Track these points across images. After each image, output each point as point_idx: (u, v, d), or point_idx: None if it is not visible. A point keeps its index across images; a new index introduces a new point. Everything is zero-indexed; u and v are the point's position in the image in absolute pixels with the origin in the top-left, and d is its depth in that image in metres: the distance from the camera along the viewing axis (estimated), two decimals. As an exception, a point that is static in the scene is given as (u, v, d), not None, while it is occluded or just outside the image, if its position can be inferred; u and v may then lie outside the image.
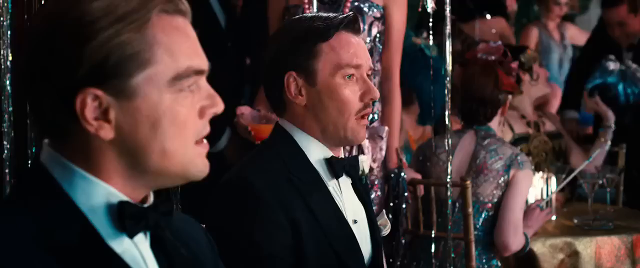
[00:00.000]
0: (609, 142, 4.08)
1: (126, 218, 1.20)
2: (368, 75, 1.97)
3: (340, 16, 1.94)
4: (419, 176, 3.20)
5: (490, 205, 3.14)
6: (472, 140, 3.23)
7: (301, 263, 1.86)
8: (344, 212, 1.97)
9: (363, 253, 1.99)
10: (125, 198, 1.22)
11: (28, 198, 1.20)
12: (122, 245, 1.22)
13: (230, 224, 1.85)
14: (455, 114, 3.38)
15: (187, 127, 1.22)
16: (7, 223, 1.17)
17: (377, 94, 1.95)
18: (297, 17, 2.02)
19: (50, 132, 1.23)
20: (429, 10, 2.85)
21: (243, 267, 1.83)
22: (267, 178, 1.87)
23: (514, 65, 3.31)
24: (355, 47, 1.94)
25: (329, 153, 1.97)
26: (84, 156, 1.21)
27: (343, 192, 2.00)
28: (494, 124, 3.29)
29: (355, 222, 2.00)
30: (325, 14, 1.96)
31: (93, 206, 1.20)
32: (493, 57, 3.22)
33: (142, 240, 1.26)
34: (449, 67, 2.87)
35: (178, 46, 1.21)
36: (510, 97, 3.33)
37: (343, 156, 2.03)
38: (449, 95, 2.90)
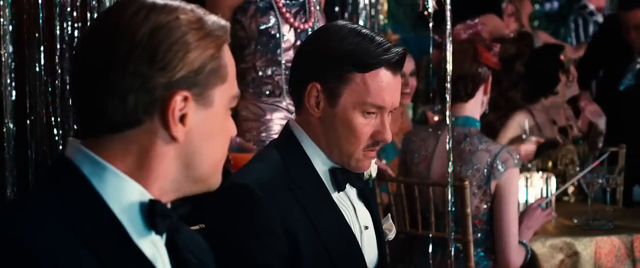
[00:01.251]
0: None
1: (157, 215, 1.26)
2: (391, 111, 1.93)
3: (388, 54, 1.88)
4: (386, 168, 3.20)
5: (477, 220, 3.04)
6: (447, 143, 3.01)
7: None
8: (352, 221, 1.96)
9: (370, 259, 1.99)
10: (153, 198, 1.28)
11: (58, 190, 1.24)
12: (145, 243, 1.27)
13: (226, 229, 1.84)
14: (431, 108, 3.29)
15: (228, 142, 1.36)
16: (43, 212, 1.21)
17: (389, 139, 1.92)
18: (348, 26, 1.93)
19: (102, 128, 1.26)
20: (430, 9, 2.84)
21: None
22: (267, 187, 1.85)
23: (496, 45, 3.14)
24: (387, 88, 1.88)
25: (333, 164, 1.95)
26: (129, 155, 1.26)
27: (350, 200, 1.99)
28: (477, 105, 3.12)
29: (366, 228, 2.00)
30: (375, 40, 1.88)
31: (123, 202, 1.25)
32: (470, 32, 3.10)
33: (159, 241, 1.31)
34: (449, 67, 2.85)
35: (234, 71, 1.35)
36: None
37: None
38: (449, 95, 2.88)
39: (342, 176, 1.94)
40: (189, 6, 1.30)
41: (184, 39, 1.25)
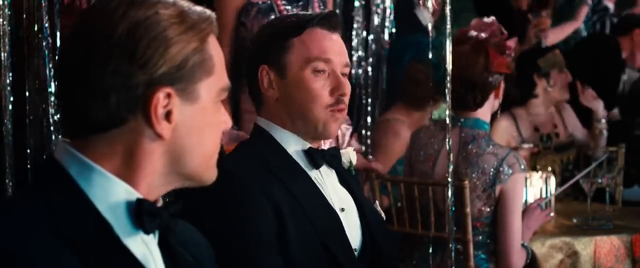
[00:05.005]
0: (605, 132, 4.16)
1: (144, 214, 1.25)
2: (344, 74, 1.98)
3: (315, 14, 1.99)
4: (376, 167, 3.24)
5: (479, 223, 3.00)
6: (455, 144, 2.99)
7: (285, 247, 1.87)
8: (329, 200, 1.98)
9: (353, 241, 2.00)
10: (141, 196, 1.26)
11: (44, 194, 1.23)
12: (135, 243, 1.26)
13: (215, 215, 1.85)
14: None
15: (219, 135, 1.34)
16: (27, 216, 1.20)
17: (347, 89, 1.96)
18: (279, 16, 2.04)
19: (87, 128, 1.25)
20: (430, 9, 2.84)
21: (234, 257, 1.82)
22: (246, 168, 1.91)
23: (511, 43, 3.01)
24: (327, 43, 1.97)
25: (307, 145, 1.99)
26: (115, 154, 1.25)
27: (326, 181, 2.01)
28: (487, 109, 3.06)
29: (342, 210, 2.01)
30: (303, 12, 2.02)
31: (110, 203, 1.24)
32: (484, 35, 2.97)
33: (151, 240, 1.30)
34: (449, 67, 2.85)
35: (222, 63, 1.33)
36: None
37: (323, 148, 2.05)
38: (449, 96, 2.88)
39: (316, 154, 1.98)
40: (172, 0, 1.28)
41: (164, 34, 1.23)
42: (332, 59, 1.96)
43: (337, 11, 3.81)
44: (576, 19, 5.62)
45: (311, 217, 1.90)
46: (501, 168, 2.91)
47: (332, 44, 1.98)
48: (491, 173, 2.93)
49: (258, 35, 2.07)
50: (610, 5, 5.93)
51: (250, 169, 1.91)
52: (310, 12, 2.05)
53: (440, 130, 3.14)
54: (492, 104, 3.07)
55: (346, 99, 1.97)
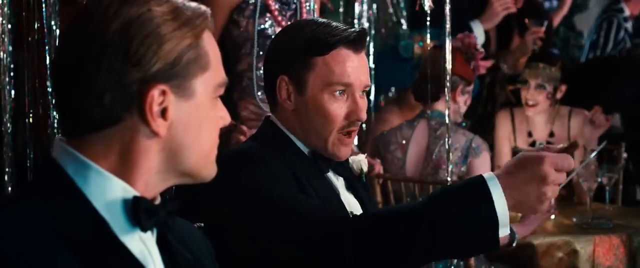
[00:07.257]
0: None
1: (141, 212, 1.24)
2: (363, 91, 1.96)
3: (344, 33, 1.92)
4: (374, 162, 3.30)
5: None
6: (424, 132, 3.22)
7: None
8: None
9: None
10: (138, 194, 1.26)
11: (41, 193, 1.23)
12: (132, 241, 1.26)
13: (243, 184, 1.81)
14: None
15: (217, 132, 1.33)
16: (24, 215, 1.20)
17: (364, 115, 1.94)
18: (307, 19, 2.00)
19: (83, 127, 1.25)
20: (426, 8, 2.84)
21: (274, 216, 1.78)
22: (267, 153, 1.89)
23: (486, 63, 3.27)
24: (351, 65, 1.92)
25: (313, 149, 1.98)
26: (112, 153, 1.25)
27: (336, 186, 2.01)
28: (441, 107, 3.24)
29: (351, 214, 2.01)
30: (332, 25, 1.93)
31: (107, 201, 1.24)
32: (460, 43, 3.23)
33: (149, 238, 1.29)
34: (449, 66, 2.86)
35: (218, 58, 1.32)
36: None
37: None
38: (450, 93, 2.89)
39: (323, 159, 1.97)
40: None
41: (157, 31, 1.23)
42: (353, 82, 1.92)
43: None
44: (562, 7, 5.62)
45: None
46: (472, 145, 3.18)
47: (355, 67, 1.92)
48: (463, 149, 3.18)
49: (280, 42, 2.00)
50: (626, 10, 5.81)
51: (272, 156, 1.89)
52: (338, 26, 1.94)
53: (408, 123, 3.38)
54: (452, 106, 3.23)
55: (361, 121, 1.95)
